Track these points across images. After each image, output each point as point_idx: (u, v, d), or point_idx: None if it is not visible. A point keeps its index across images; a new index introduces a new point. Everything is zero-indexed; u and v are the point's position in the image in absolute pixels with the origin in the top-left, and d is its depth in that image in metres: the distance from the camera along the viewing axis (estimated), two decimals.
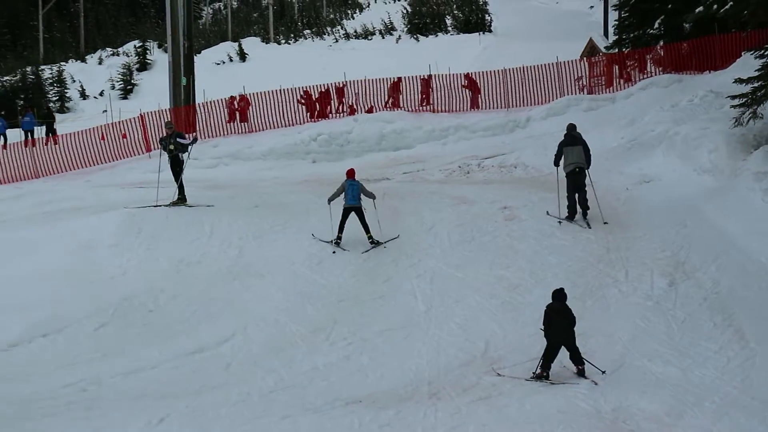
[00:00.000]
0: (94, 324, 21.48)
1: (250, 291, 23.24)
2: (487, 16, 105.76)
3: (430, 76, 47.75)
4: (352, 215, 26.65)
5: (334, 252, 26.01)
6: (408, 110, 45.15)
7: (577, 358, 17.85)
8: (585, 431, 15.50)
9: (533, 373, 17.86)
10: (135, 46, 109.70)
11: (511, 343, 19.03)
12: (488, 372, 18.24)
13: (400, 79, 47.64)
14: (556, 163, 27.36)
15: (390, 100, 46.93)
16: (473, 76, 46.59)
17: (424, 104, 46.33)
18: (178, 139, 30.63)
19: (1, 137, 52.82)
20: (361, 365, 18.97)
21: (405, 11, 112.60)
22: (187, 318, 21.68)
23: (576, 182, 26.84)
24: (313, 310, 21.95)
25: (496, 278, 23.15)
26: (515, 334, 19.25)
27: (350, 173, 27.54)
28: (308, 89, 47.80)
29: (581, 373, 17.78)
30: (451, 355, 19.18)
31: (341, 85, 48.30)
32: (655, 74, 41.68)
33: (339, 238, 26.47)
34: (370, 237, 26.55)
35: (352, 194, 26.68)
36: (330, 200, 27.06)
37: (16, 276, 24.67)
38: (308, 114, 46.39)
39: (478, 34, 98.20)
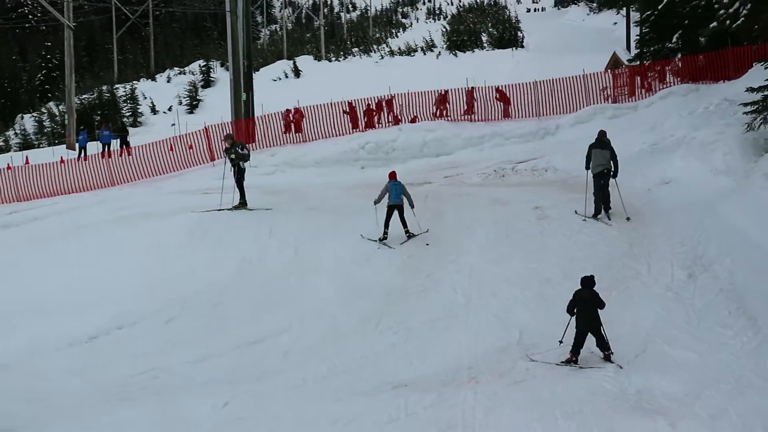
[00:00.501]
0: (165, 317, 21.62)
1: (306, 286, 23.30)
2: (519, 33, 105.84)
3: (473, 88, 47.79)
4: (395, 212, 26.82)
5: (378, 248, 26.15)
6: (448, 119, 45.21)
7: (603, 344, 17.82)
8: (611, 411, 15.44)
9: (565, 359, 17.84)
10: (200, 65, 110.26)
11: (544, 332, 18.97)
12: (522, 358, 18.20)
13: (446, 91, 47.76)
14: (587, 167, 27.46)
15: (438, 111, 46.99)
16: (504, 89, 46.70)
17: (468, 113, 46.40)
18: (237, 149, 30.81)
19: (82, 150, 53.15)
20: (406, 352, 18.99)
21: (444, 29, 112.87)
22: (249, 311, 21.75)
23: (602, 182, 27.02)
24: (363, 303, 21.96)
25: (529, 272, 23.10)
26: (547, 323, 19.19)
27: (392, 175, 27.78)
28: (352, 102, 47.91)
29: (608, 359, 17.72)
30: (488, 342, 19.15)
31: (389, 98, 48.43)
32: (674, 84, 41.48)
33: (385, 234, 26.62)
34: (407, 231, 26.75)
35: (396, 193, 26.86)
36: (376, 202, 27.27)
37: (96, 274, 24.90)
38: (351, 125, 46.50)
39: (511, 49, 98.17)
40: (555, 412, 15.52)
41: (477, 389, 16.67)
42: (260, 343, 19.94)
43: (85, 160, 49.24)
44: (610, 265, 22.67)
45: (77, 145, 55.31)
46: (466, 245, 25.64)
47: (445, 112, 47.06)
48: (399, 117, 47.65)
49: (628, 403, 15.90)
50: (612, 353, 17.86)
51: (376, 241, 26.65)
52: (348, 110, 47.36)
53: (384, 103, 48.58)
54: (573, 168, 29.24)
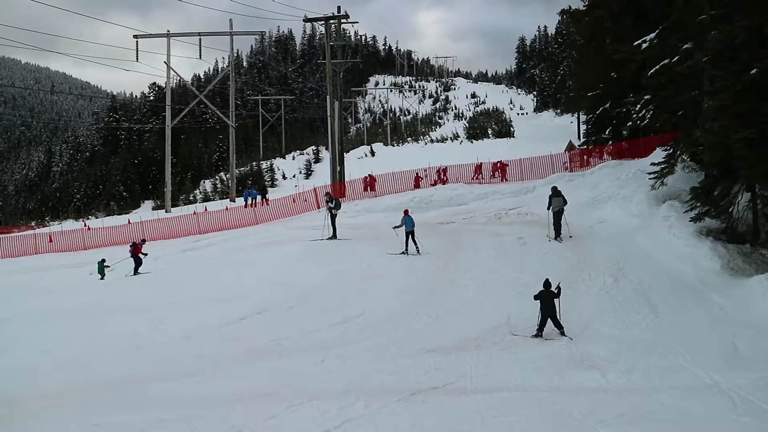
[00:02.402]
0: (286, 306, 21.57)
1: (373, 287, 23.14)
2: (511, 128, 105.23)
3: (481, 163, 47.70)
4: (409, 235, 27.67)
5: (403, 254, 26.35)
6: (479, 181, 45.12)
7: (558, 325, 17.60)
8: (565, 367, 15.23)
9: (534, 334, 17.65)
10: (312, 149, 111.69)
11: (522, 317, 18.70)
12: (508, 333, 18.00)
13: (481, 163, 47.61)
14: (548, 208, 28.01)
15: (475, 176, 46.80)
16: (504, 162, 46.60)
17: (491, 177, 46.57)
18: (329, 204, 31.01)
19: (250, 199, 53.57)
20: (435, 329, 18.78)
21: (465, 126, 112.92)
22: (338, 302, 21.64)
23: (557, 218, 27.54)
24: (408, 298, 21.80)
25: (514, 279, 22.86)
26: (525, 311, 18.90)
27: (406, 211, 28.98)
28: (418, 173, 47.94)
29: (562, 334, 17.49)
30: (487, 323, 18.91)
31: (442, 168, 48.26)
32: (607, 160, 40.98)
33: (406, 250, 27.38)
34: (417, 249, 27.35)
35: (410, 224, 27.75)
36: (396, 228, 28.36)
37: (245, 279, 25.06)
38: (414, 185, 46.45)
39: (506, 138, 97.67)
40: (529, 367, 15.32)
41: (479, 352, 16.48)
42: (344, 322, 19.81)
43: (254, 206, 49.83)
44: (566, 274, 22.32)
45: (243, 197, 55.70)
46: (475, 261, 25.42)
47: (479, 176, 46.92)
48: (436, 181, 47.55)
49: (575, 362, 15.67)
50: (564, 330, 17.59)
51: (400, 253, 27.26)
52: (415, 177, 47.36)
53: (437, 171, 48.42)
54: (544, 213, 28.98)
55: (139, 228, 44.77)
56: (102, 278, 31.48)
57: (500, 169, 46.40)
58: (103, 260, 32.67)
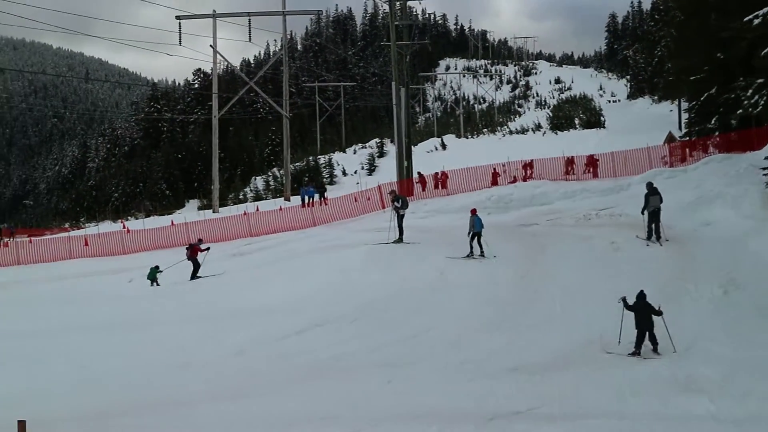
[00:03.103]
0: (350, 318, 21.67)
1: (447, 297, 23.12)
2: (601, 117, 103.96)
3: (572, 157, 47.29)
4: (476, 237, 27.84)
5: (466, 258, 26.18)
6: (550, 179, 44.67)
7: (653, 340, 17.41)
8: (667, 390, 14.95)
9: (630, 352, 17.43)
10: (376, 142, 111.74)
11: (617, 333, 18.40)
12: (602, 351, 17.79)
13: (573, 157, 47.21)
14: (644, 208, 28.05)
15: (568, 170, 46.44)
16: (594, 156, 46.20)
17: (582, 172, 46.01)
18: (395, 203, 31.12)
19: (308, 198, 53.98)
20: (517, 346, 18.64)
21: (548, 115, 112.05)
22: (407, 314, 21.65)
23: (654, 218, 27.62)
24: (489, 310, 21.70)
25: (607, 289, 22.47)
26: (620, 326, 18.61)
27: (474, 211, 29.15)
28: (495, 168, 47.72)
29: (655, 351, 17.33)
30: (577, 340, 18.71)
31: (528, 162, 47.90)
32: (713, 154, 40.26)
33: (472, 253, 27.64)
34: (482, 252, 27.56)
35: (479, 224, 27.94)
36: (469, 233, 28.18)
37: (302, 288, 25.27)
38: (491, 182, 46.20)
39: (595, 129, 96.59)
40: (625, 390, 15.09)
41: (568, 373, 16.31)
42: (415, 337, 19.80)
43: (308, 207, 50.28)
44: (667, 284, 21.98)
45: (300, 196, 56.10)
46: (562, 269, 25.22)
47: (572, 171, 46.55)
48: (515, 177, 47.28)
49: (679, 385, 15.35)
50: (657, 347, 17.41)
51: (464, 257, 27.51)
52: (492, 173, 47.15)
53: (524, 166, 48.17)
54: (640, 214, 28.65)
55: (184, 230, 45.45)
56: (154, 285, 32.04)
57: (590, 165, 45.97)
58: (157, 267, 33.11)
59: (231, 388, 16.54)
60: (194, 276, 32.00)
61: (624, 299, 17.88)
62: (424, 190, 47.26)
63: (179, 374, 18.01)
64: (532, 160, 47.56)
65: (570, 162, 46.90)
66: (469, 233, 28.32)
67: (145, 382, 17.41)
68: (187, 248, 33.33)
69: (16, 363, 19.69)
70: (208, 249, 33.20)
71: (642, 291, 18.00)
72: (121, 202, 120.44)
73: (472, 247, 27.88)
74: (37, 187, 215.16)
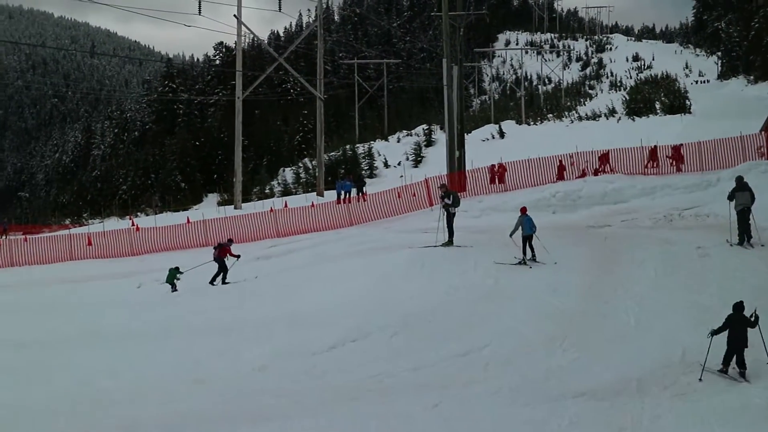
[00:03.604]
0: (389, 333, 21.73)
1: (503, 309, 23.08)
2: (687, 101, 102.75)
3: (655, 146, 46.82)
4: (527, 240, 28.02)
5: (519, 263, 26.07)
6: (625, 173, 44.39)
7: (741, 363, 17.15)
8: (763, 422, 14.86)
9: (719, 369, 17.26)
10: (423, 128, 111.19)
11: (702, 353, 18.26)
12: (684, 373, 17.65)
13: (655, 146, 46.83)
14: (729, 199, 28.28)
15: (650, 163, 46.08)
16: (677, 146, 45.77)
17: (649, 167, 45.58)
18: (445, 200, 31.10)
19: (344, 193, 54.20)
20: (584, 366, 18.59)
21: (624, 98, 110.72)
22: (456, 329, 21.67)
23: (743, 218, 27.52)
24: (550, 325, 21.63)
25: (691, 302, 22.43)
26: (705, 345, 18.45)
27: (524, 210, 29.20)
28: (562, 160, 47.52)
29: (742, 375, 17.04)
30: (654, 360, 18.59)
31: (604, 152, 47.54)
32: None
33: (524, 260, 27.77)
34: (534, 256, 27.88)
35: (529, 225, 28.13)
36: (511, 235, 28.50)
37: (336, 296, 25.43)
38: (556, 177, 46.00)
39: (680, 115, 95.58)
40: (711, 420, 15.00)
41: (644, 399, 16.26)
42: (465, 355, 19.83)
43: (344, 203, 50.57)
44: (762, 295, 21.71)
45: (336, 191, 56.33)
46: (637, 278, 25.10)
47: (657, 163, 46.15)
48: (586, 171, 47.03)
49: None
50: (746, 371, 17.08)
51: (517, 263, 27.60)
52: (558, 166, 46.97)
53: (600, 157, 47.60)
54: (731, 214, 28.41)
55: (201, 228, 45.88)
56: (174, 290, 32.37)
57: (675, 157, 45.57)
58: (177, 268, 33.41)
59: (251, 409, 16.71)
60: (216, 279, 32.30)
61: (713, 332, 17.49)
62: (503, 181, 47.13)
63: (193, 392, 18.23)
64: (608, 151, 47.18)
65: (653, 153, 46.40)
66: (511, 234, 28.60)
67: (154, 400, 17.63)
68: (215, 248, 33.58)
69: (10, 378, 20.02)
70: (238, 257, 33.43)
71: (741, 302, 17.63)
72: (130, 195, 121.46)
73: (525, 252, 28.03)
74: (34, 178, 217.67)
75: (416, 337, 21.31)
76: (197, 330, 23.47)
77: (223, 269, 32.59)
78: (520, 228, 28.34)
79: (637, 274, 25.51)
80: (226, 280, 32.23)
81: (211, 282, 32.14)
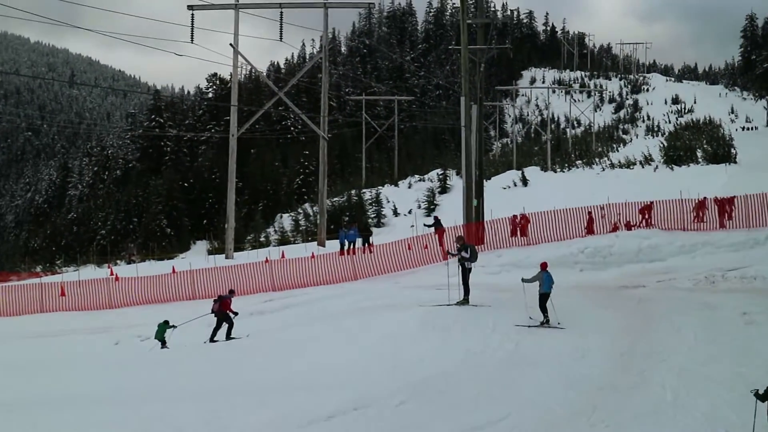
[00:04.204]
0: (396, 401, 21.57)
1: (524, 377, 22.98)
2: (732, 149, 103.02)
3: (704, 199, 46.67)
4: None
5: (540, 325, 26.68)
6: (663, 228, 44.38)
7: None
8: None
9: None
10: (437, 173, 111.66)
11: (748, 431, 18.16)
12: None
13: (704, 199, 46.71)
14: None
15: (698, 216, 45.93)
16: (723, 199, 45.70)
17: (696, 221, 45.38)
18: (461, 253, 31.12)
19: (348, 243, 54.19)
20: None
21: (662, 145, 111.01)
22: (472, 398, 21.54)
23: None
24: (576, 396, 21.50)
25: (736, 374, 22.30)
26: (751, 423, 18.36)
27: (545, 266, 29.21)
28: (591, 212, 47.53)
29: None
30: None
31: (647, 205, 47.38)
32: None
33: (546, 319, 28.06)
34: (547, 319, 28.04)
35: (548, 283, 28.34)
36: (525, 281, 29.00)
37: (336, 359, 25.35)
38: (585, 231, 46.01)
39: (724, 164, 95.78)
40: None
41: None
42: (480, 429, 19.61)
43: (348, 254, 50.56)
44: None
45: (339, 240, 56.23)
46: (675, 346, 25.00)
47: (702, 218, 45.96)
48: (618, 225, 47.05)
49: None
50: None
51: (537, 325, 27.74)
52: (588, 218, 47.00)
53: (641, 210, 47.39)
54: None
55: (188, 280, 45.88)
56: (163, 347, 32.42)
57: (723, 211, 45.39)
58: (166, 322, 33.56)
59: None
60: (216, 335, 32.59)
61: (757, 392, 17.46)
62: (525, 234, 47.19)
63: None
64: (651, 203, 47.05)
65: (701, 206, 46.21)
66: (524, 281, 29.06)
67: None
68: (215, 301, 33.84)
69: None
70: (235, 314, 33.61)
71: None
72: (109, 241, 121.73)
73: (545, 310, 28.22)
74: (3, 219, 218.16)
75: (426, 407, 21.14)
76: (179, 395, 23.32)
77: (226, 322, 32.77)
78: (538, 284, 28.43)
79: (675, 342, 25.39)
80: (231, 336, 32.34)
81: (212, 339, 32.27)
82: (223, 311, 33.01)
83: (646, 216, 46.75)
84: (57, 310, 46.22)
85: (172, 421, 20.74)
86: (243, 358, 27.67)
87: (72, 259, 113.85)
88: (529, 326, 27.74)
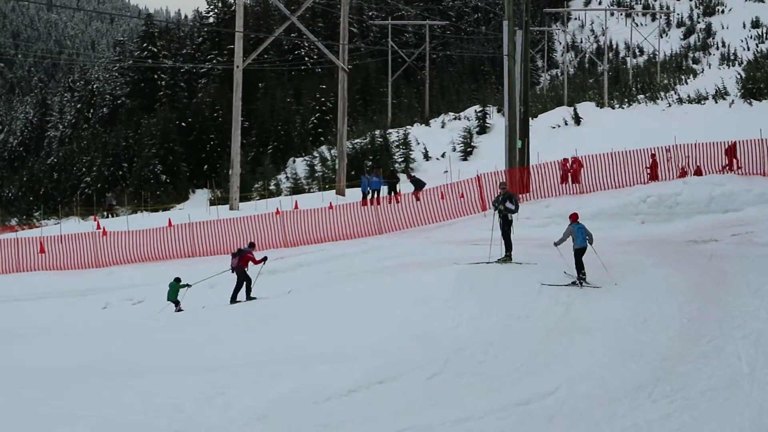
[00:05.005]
0: (427, 373, 21.68)
1: (575, 346, 23.05)
2: None
3: None
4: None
5: (572, 284, 27.18)
6: (739, 174, 44.21)
7: None
8: None
9: None
10: (476, 110, 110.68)
11: None
12: None
13: (735, 143, 46.54)
14: None
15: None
16: None
17: None
18: (504, 204, 31.04)
19: (372, 191, 54.22)
20: (682, 424, 18.47)
21: (739, 76, 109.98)
22: (514, 370, 21.64)
23: None
24: (636, 368, 21.57)
25: None
26: None
27: (574, 217, 29.31)
28: (655, 154, 47.35)
29: None
30: None
31: (730, 145, 47.09)
32: None
33: (580, 279, 28.27)
34: (583, 277, 28.24)
35: (582, 236, 28.47)
36: (557, 244, 29.22)
37: (358, 325, 25.43)
38: (648, 177, 45.90)
39: None
40: None
41: None
42: (524, 405, 19.73)
43: (371, 204, 50.56)
44: None
45: (362, 189, 56.19)
46: (753, 310, 24.93)
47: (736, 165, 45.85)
48: (686, 169, 46.85)
49: None
50: None
51: (569, 285, 27.96)
52: (651, 162, 46.87)
53: (727, 150, 47.22)
54: None
55: (186, 234, 46.06)
56: (178, 309, 32.71)
57: None
58: (178, 280, 33.76)
59: None
60: (237, 295, 33.00)
61: None
62: (577, 181, 47.15)
63: None
64: (734, 144, 46.73)
65: None
66: (557, 243, 29.24)
67: None
68: (233, 255, 33.82)
69: None
70: (264, 260, 33.70)
71: None
72: (96, 189, 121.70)
73: (579, 269, 28.40)
74: None
75: (462, 381, 21.25)
76: (179, 367, 23.42)
77: (245, 280, 32.87)
78: (571, 239, 28.62)
79: (753, 305, 25.35)
80: (252, 295, 32.54)
81: (233, 299, 32.54)
82: (243, 267, 33.04)
83: (733, 158, 46.35)
84: (36, 270, 46.50)
85: (170, 397, 20.86)
86: (248, 326, 27.74)
87: (52, 210, 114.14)
88: (560, 285, 27.94)
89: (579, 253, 28.39)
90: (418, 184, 54.27)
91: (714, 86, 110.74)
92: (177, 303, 33.07)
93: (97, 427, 19.42)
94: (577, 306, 26.03)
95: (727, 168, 45.78)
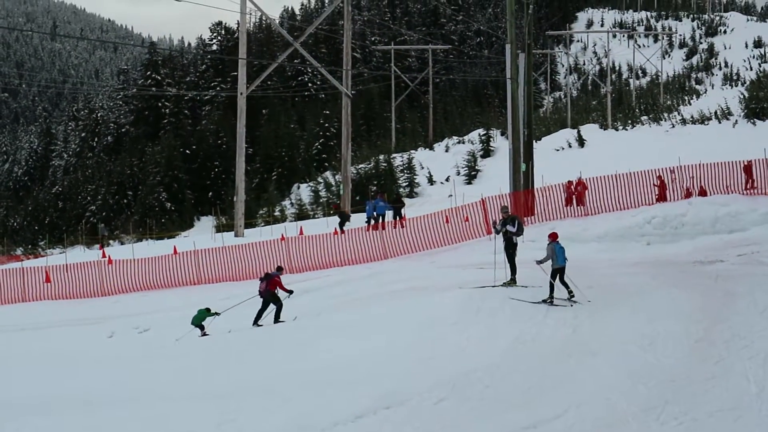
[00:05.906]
0: (434, 398, 21.64)
1: (583, 368, 23.02)
2: None
3: None
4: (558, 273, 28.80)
5: (546, 303, 27.52)
6: (742, 193, 44.27)
7: None
8: None
9: None
10: (479, 134, 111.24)
11: None
12: None
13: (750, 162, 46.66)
14: None
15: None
16: None
17: None
18: (507, 227, 31.12)
19: (376, 216, 54.24)
20: None
21: (742, 96, 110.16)
22: (521, 394, 21.61)
23: None
24: (644, 389, 21.52)
25: None
26: None
27: (554, 236, 29.72)
28: (661, 175, 47.42)
29: None
30: None
31: (747, 163, 47.09)
32: None
33: (550, 297, 28.63)
34: (570, 295, 28.63)
35: (561, 255, 28.85)
36: (540, 262, 29.35)
37: (365, 350, 25.38)
38: (656, 197, 45.95)
39: None
40: None
41: None
42: (533, 428, 19.67)
43: (376, 229, 50.52)
44: None
45: (366, 214, 56.19)
46: (760, 330, 24.91)
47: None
48: (691, 190, 46.92)
49: None
50: None
51: (540, 302, 28.28)
52: (658, 183, 46.92)
53: (745, 167, 47.03)
54: None
55: (192, 261, 46.04)
56: (204, 334, 32.83)
57: None
58: (208, 309, 33.91)
59: None
60: (261, 318, 33.20)
61: None
62: (582, 203, 47.18)
63: None
64: (750, 163, 46.67)
65: None
66: (540, 262, 29.36)
67: None
68: (262, 279, 33.83)
69: None
70: (290, 293, 33.72)
71: None
72: (101, 218, 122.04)
73: (552, 288, 28.55)
74: None
75: (468, 405, 21.20)
76: (185, 394, 23.43)
77: (274, 304, 33.00)
78: (551, 260, 28.87)
79: (760, 325, 25.33)
80: (280, 319, 32.59)
81: (255, 322, 32.60)
82: (271, 291, 33.06)
83: (750, 177, 46.30)
84: (41, 299, 46.48)
85: (177, 424, 20.89)
86: (254, 351, 27.75)
87: (57, 239, 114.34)
88: (541, 301, 28.38)
89: (559, 272, 28.71)
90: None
91: (717, 106, 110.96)
92: (202, 327, 33.18)
93: None
94: (584, 328, 26.02)
95: (750, 186, 45.76)
